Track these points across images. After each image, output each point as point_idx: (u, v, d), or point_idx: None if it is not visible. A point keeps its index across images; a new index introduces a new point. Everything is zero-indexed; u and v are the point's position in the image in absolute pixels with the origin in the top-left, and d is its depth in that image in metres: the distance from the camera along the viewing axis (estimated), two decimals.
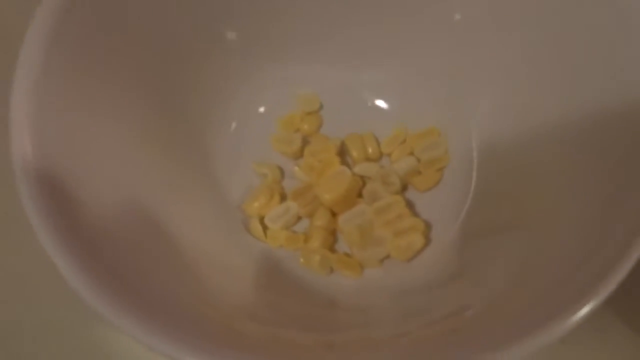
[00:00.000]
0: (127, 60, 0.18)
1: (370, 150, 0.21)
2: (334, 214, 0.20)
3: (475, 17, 0.20)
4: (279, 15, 0.20)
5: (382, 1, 0.20)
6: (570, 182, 0.17)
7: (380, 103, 0.22)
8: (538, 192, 0.18)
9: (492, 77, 0.20)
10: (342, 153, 0.22)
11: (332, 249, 0.20)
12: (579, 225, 0.16)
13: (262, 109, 0.22)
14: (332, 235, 0.20)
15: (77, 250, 0.14)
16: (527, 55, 0.19)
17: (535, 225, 0.17)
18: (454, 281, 0.18)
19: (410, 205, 0.21)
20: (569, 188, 0.17)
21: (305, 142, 0.22)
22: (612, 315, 0.19)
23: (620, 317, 0.19)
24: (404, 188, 0.21)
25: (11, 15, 0.24)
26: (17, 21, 0.15)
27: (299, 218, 0.21)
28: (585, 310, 0.12)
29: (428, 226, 0.20)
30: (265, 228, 0.20)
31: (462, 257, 0.19)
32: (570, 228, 0.16)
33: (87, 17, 0.16)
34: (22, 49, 0.14)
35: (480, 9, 0.19)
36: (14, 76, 0.14)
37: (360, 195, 0.20)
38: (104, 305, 0.13)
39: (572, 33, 0.17)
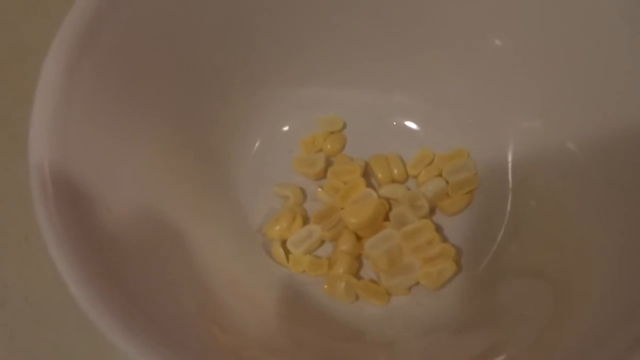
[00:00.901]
0: (151, 79, 0.17)
1: (395, 171, 0.20)
2: (359, 238, 0.19)
3: (507, 44, 0.19)
4: (307, 40, 0.20)
5: (410, 29, 0.20)
6: (612, 225, 0.16)
7: (406, 124, 0.22)
8: (576, 233, 0.17)
9: (525, 100, 0.19)
10: (366, 174, 0.21)
11: (357, 275, 0.19)
12: (620, 279, 0.14)
13: (282, 130, 0.22)
14: (357, 261, 0.19)
15: (92, 274, 0.13)
16: (562, 78, 0.18)
17: (572, 271, 0.16)
18: (484, 320, 0.17)
19: (438, 230, 0.20)
20: (610, 233, 0.16)
21: (328, 163, 0.21)
22: None
23: None
24: (431, 211, 0.20)
25: (33, 31, 0.24)
26: (39, 37, 0.15)
27: (322, 242, 0.20)
28: None
29: (459, 253, 0.19)
30: (287, 252, 0.19)
31: (494, 293, 0.18)
32: (610, 281, 0.15)
33: (112, 34, 0.16)
34: (44, 65, 0.14)
35: (513, 35, 0.19)
36: (35, 94, 0.14)
37: (386, 218, 0.20)
38: (115, 332, 0.12)
39: (613, 54, 0.16)
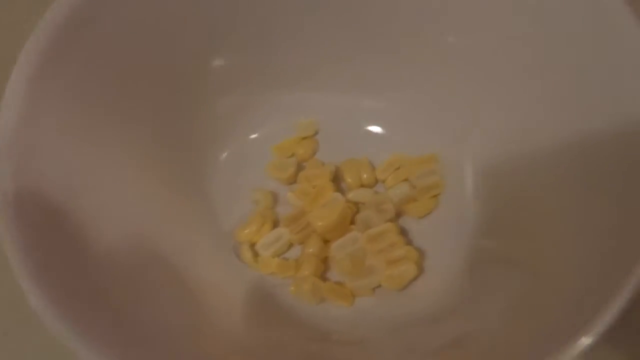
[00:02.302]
0: (122, 90, 0.18)
1: (365, 176, 0.21)
2: (326, 241, 0.20)
3: (472, 44, 0.19)
4: (277, 46, 0.20)
5: (379, 32, 0.20)
6: (571, 216, 0.16)
7: (377, 128, 0.22)
8: (538, 226, 0.17)
9: (490, 104, 0.20)
10: (337, 179, 0.21)
11: (323, 277, 0.20)
12: (579, 263, 0.15)
13: (257, 136, 0.22)
14: (324, 263, 0.20)
15: (65, 289, 0.14)
16: (525, 80, 0.18)
17: (535, 260, 0.17)
18: (452, 313, 0.18)
19: (405, 232, 0.20)
20: (570, 223, 0.16)
21: (300, 167, 0.21)
22: (610, 349, 0.18)
23: (617, 350, 0.18)
24: (398, 215, 0.20)
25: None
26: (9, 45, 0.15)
27: (291, 245, 0.20)
28: (581, 344, 0.12)
29: (422, 255, 0.19)
30: (257, 255, 0.20)
31: (461, 288, 0.18)
32: (571, 265, 0.15)
33: (80, 47, 0.16)
34: (10, 78, 0.15)
35: (476, 35, 0.19)
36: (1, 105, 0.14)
37: (353, 222, 0.20)
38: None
39: (573, 55, 0.17)
